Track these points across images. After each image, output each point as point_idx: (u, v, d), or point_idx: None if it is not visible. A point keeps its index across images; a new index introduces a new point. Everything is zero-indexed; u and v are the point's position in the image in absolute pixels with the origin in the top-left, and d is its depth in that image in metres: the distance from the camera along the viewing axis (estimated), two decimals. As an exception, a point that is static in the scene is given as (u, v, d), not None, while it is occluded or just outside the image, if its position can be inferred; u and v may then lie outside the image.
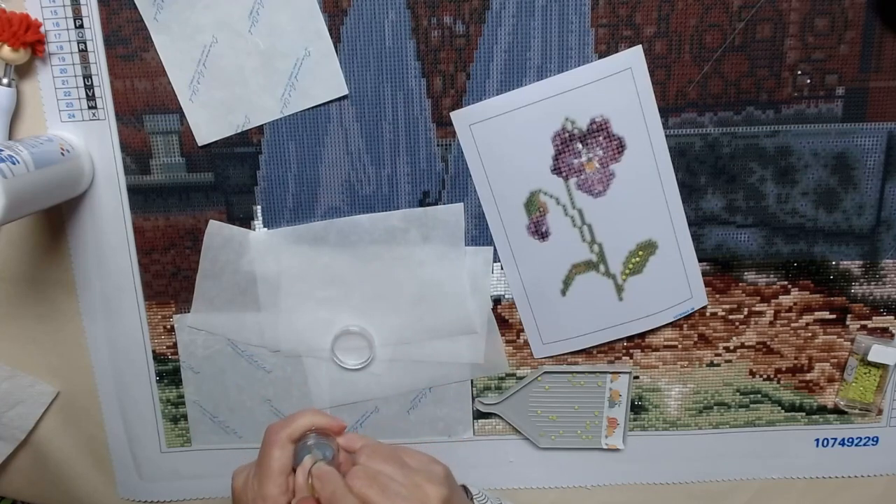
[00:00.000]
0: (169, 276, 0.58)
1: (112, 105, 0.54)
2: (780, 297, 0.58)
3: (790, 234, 0.57)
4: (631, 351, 0.60)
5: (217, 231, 0.57)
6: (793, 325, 0.59)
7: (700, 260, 0.57)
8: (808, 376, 0.60)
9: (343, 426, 0.50)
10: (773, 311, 0.59)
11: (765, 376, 0.60)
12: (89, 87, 0.53)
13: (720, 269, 0.57)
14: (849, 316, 0.59)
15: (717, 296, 0.58)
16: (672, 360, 0.60)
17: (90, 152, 0.55)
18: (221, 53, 0.52)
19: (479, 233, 0.57)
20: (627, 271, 0.56)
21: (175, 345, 0.60)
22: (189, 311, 0.59)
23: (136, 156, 0.55)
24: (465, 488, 0.54)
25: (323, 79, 0.53)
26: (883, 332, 0.59)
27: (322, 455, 0.48)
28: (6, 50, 0.50)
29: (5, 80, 0.51)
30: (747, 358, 0.60)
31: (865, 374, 0.59)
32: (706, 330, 0.59)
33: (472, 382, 0.60)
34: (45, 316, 0.59)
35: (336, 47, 0.52)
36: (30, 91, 0.53)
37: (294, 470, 0.48)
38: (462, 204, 0.56)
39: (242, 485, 0.49)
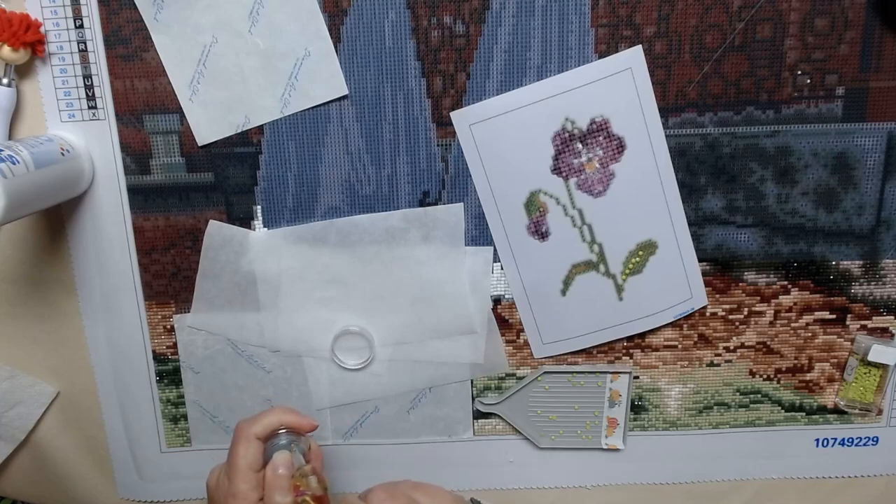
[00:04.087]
0: (169, 276, 0.58)
1: (112, 105, 0.54)
2: (780, 297, 0.58)
3: (790, 234, 0.57)
4: (631, 351, 0.60)
5: (217, 231, 0.57)
6: (793, 325, 0.59)
7: (700, 260, 0.57)
8: (808, 376, 0.60)
9: (314, 425, 0.50)
10: (773, 311, 0.59)
11: (765, 376, 0.60)
12: (89, 87, 0.53)
13: (720, 269, 0.57)
14: (849, 316, 0.59)
15: (717, 296, 0.58)
16: (672, 360, 0.60)
17: (90, 152, 0.55)
18: (221, 53, 0.52)
19: (479, 233, 0.57)
20: (627, 271, 0.56)
21: (175, 345, 0.60)
22: (189, 311, 0.59)
23: (136, 156, 0.55)
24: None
25: (323, 79, 0.53)
26: (883, 332, 0.59)
27: (293, 453, 0.48)
28: (6, 50, 0.50)
29: (5, 80, 0.51)
30: (747, 358, 0.60)
31: (865, 374, 0.59)
32: (706, 330, 0.59)
33: (472, 382, 0.60)
34: (45, 316, 0.59)
35: (336, 47, 0.52)
36: (30, 91, 0.53)
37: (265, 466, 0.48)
38: (462, 204, 0.56)
39: (215, 482, 0.49)
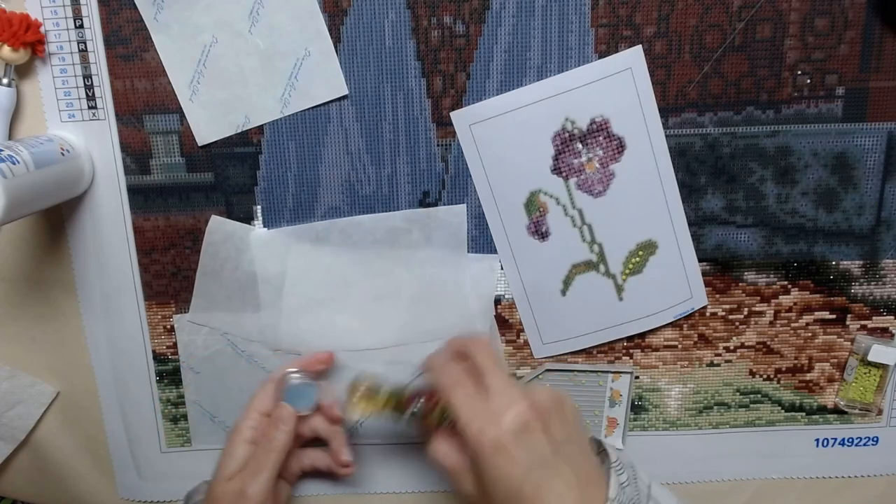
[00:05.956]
0: (169, 276, 0.58)
1: (112, 105, 0.54)
2: (780, 297, 0.58)
3: (790, 234, 0.57)
4: (631, 351, 0.60)
5: (218, 227, 0.57)
6: (793, 325, 0.59)
7: (700, 260, 0.57)
8: (808, 376, 0.60)
9: (321, 359, 0.57)
10: (773, 311, 0.59)
11: (765, 376, 0.60)
12: (89, 87, 0.53)
13: (720, 269, 0.57)
14: (849, 316, 0.59)
15: (717, 296, 0.58)
16: (672, 360, 0.60)
17: (90, 152, 0.55)
18: (221, 53, 0.52)
19: (479, 233, 0.57)
20: (627, 271, 0.56)
21: (175, 345, 0.60)
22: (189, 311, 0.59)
23: (136, 156, 0.55)
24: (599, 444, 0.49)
25: (323, 79, 0.53)
26: (883, 332, 0.59)
27: (302, 401, 0.55)
28: (6, 50, 0.50)
29: (5, 80, 0.51)
30: (747, 358, 0.60)
31: (865, 374, 0.59)
32: (706, 330, 0.59)
33: (472, 382, 0.60)
34: (45, 316, 0.59)
35: (336, 47, 0.52)
36: (30, 91, 0.53)
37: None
38: (465, 205, 0.56)
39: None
